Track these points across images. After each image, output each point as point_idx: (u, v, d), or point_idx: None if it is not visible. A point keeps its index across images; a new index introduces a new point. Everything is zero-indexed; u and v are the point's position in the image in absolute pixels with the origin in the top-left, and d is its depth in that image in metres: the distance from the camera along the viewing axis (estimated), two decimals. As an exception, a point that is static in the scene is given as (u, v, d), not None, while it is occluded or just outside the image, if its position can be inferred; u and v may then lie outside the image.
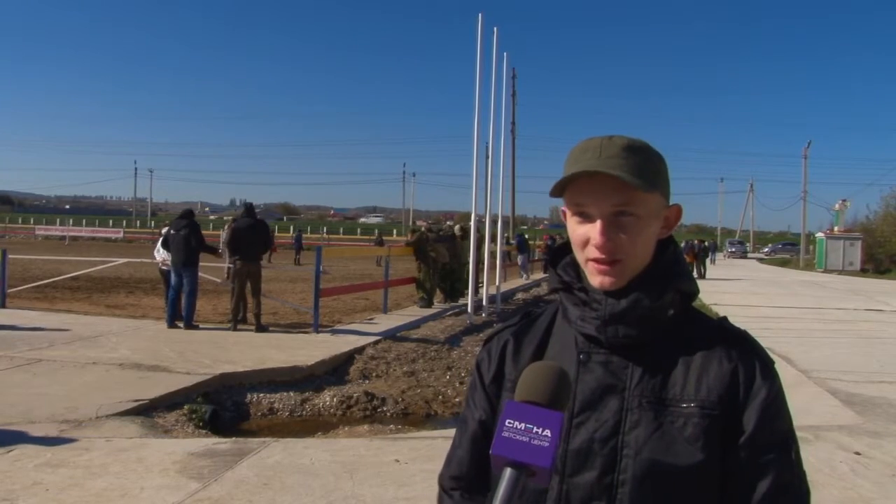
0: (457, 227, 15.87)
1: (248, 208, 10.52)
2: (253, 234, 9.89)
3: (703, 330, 1.05)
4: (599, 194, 0.98)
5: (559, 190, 1.01)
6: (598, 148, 1.00)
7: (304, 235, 36.17)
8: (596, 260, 1.00)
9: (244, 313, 10.00)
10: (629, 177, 0.96)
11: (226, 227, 11.63)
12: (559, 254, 1.12)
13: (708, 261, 33.95)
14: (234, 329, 9.62)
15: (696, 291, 1.06)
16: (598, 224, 0.99)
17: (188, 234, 9.62)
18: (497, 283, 15.06)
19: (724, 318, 1.10)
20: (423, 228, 15.67)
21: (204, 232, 10.37)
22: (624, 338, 1.01)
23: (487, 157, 15.20)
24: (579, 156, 1.01)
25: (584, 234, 1.01)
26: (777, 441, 0.98)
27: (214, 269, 12.49)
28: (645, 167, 0.99)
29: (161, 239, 10.38)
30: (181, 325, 9.65)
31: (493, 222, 14.77)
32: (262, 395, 6.86)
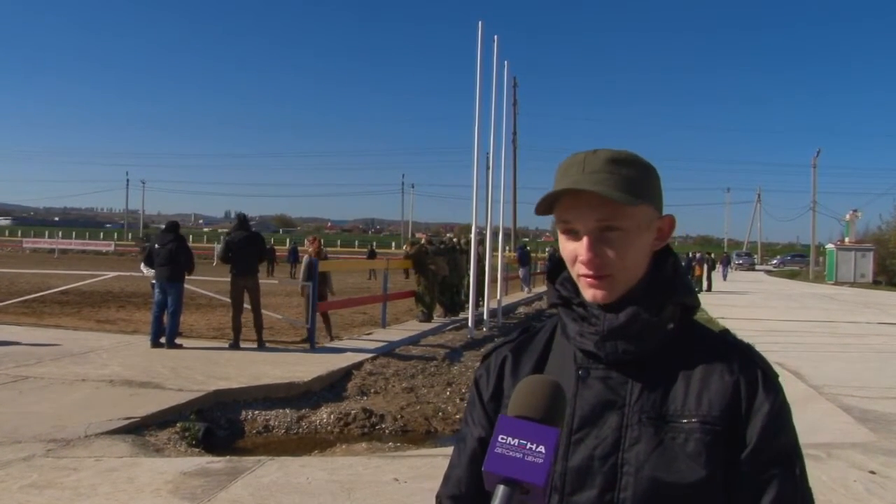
0: (453, 238, 15.93)
1: (242, 220, 10.44)
2: (248, 246, 9.86)
3: (705, 343, 1.05)
4: (583, 210, 1.00)
5: (545, 208, 1.03)
6: (582, 163, 1.01)
7: (299, 248, 36.13)
8: (585, 275, 1.02)
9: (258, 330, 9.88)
10: (610, 191, 0.97)
11: (223, 239, 11.64)
12: (557, 268, 1.13)
13: (719, 274, 33.93)
14: (237, 346, 9.55)
15: (696, 304, 1.07)
16: (584, 240, 1.00)
17: (175, 249, 9.51)
18: (498, 297, 15.07)
19: (726, 331, 1.10)
20: (422, 241, 15.70)
21: (197, 244, 10.34)
22: (623, 353, 1.01)
23: (488, 168, 15.27)
24: (564, 172, 1.03)
25: (574, 251, 1.02)
26: (781, 456, 0.98)
27: (207, 283, 12.47)
28: (630, 180, 1.00)
29: (146, 254, 10.28)
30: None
31: (494, 234, 14.78)
32: (257, 412, 6.84)
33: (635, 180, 1.01)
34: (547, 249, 34.02)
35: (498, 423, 0.83)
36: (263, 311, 10.15)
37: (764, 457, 0.97)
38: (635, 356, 1.01)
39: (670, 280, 1.05)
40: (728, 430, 0.98)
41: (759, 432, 0.97)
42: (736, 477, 0.98)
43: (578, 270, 1.02)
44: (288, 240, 48.46)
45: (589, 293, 1.02)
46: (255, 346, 9.69)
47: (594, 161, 1.01)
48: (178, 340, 9.58)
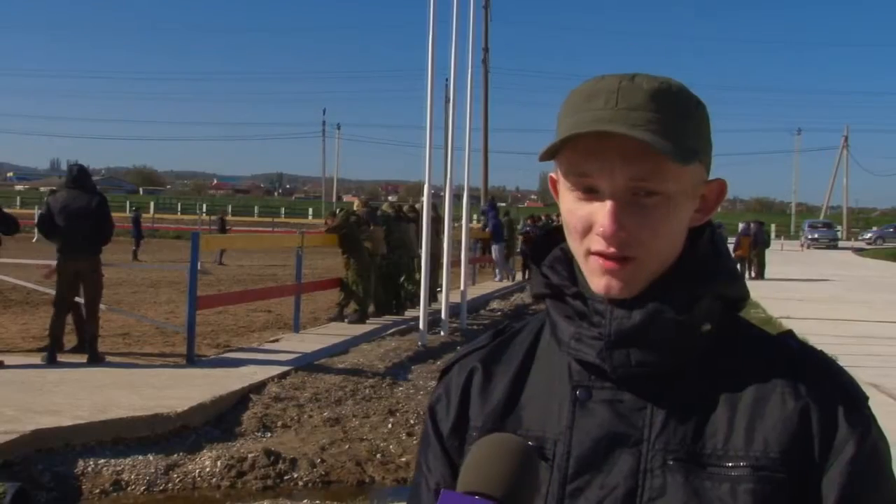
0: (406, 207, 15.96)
1: (75, 175, 10.21)
2: (82, 213, 9.67)
3: (756, 352, 1.06)
4: (614, 162, 0.98)
5: (553, 153, 1.01)
6: (615, 93, 1.00)
7: (153, 216, 35.74)
8: (601, 254, 1.01)
9: (81, 335, 9.89)
10: (661, 141, 0.96)
11: (44, 201, 11.53)
12: (544, 245, 1.13)
13: (780, 255, 34.53)
14: (52, 360, 9.47)
15: (743, 296, 1.08)
16: (607, 204, 0.99)
17: None
18: (462, 287, 15.15)
19: (789, 333, 1.11)
20: (352, 208, 15.72)
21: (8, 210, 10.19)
22: (638, 366, 1.02)
23: (448, 101, 15.30)
24: (584, 103, 1.01)
25: (587, 218, 1.02)
26: None
27: (22, 270, 12.27)
28: (683, 125, 1.00)
29: None
30: None
31: (458, 197, 14.84)
32: (102, 461, 6.78)
33: (688, 126, 1.01)
34: (527, 220, 31.84)
35: (440, 500, 0.84)
36: (113, 311, 10.09)
37: None
38: (656, 371, 1.02)
39: (708, 263, 1.06)
40: (793, 478, 0.98)
41: (839, 487, 0.97)
42: None
43: (591, 245, 1.01)
44: (128, 206, 46.88)
45: (601, 282, 1.02)
46: (90, 361, 9.57)
47: (632, 92, 0.99)
48: None
